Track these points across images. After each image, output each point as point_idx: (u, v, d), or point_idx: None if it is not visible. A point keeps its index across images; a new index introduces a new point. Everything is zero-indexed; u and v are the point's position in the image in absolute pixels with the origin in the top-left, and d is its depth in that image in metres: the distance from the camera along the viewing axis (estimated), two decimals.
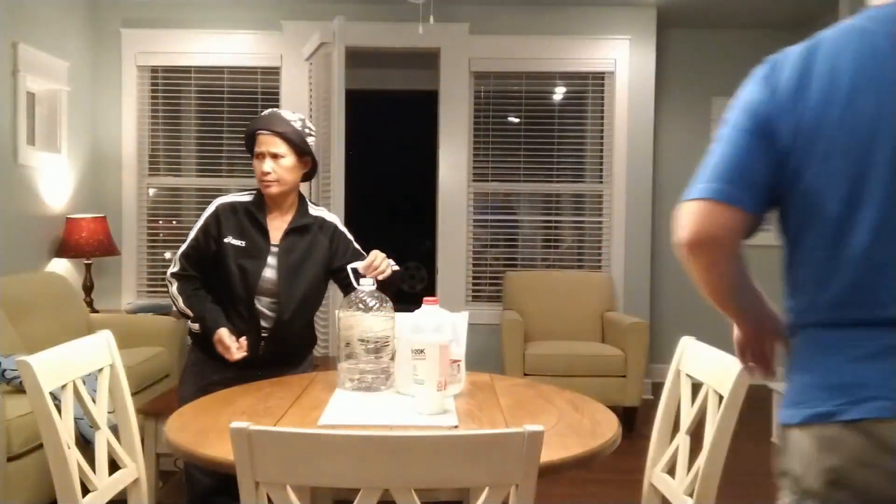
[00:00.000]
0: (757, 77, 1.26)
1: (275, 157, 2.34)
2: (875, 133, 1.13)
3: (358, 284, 2.11)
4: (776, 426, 1.60)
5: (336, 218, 2.55)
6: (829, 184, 1.16)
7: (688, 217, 1.22)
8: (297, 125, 2.38)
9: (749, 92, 1.25)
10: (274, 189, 2.36)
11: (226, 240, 2.37)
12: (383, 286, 2.20)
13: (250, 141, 2.41)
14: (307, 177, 2.51)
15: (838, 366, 1.15)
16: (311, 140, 2.42)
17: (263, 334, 2.40)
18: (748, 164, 1.21)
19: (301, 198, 2.50)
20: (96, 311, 4.81)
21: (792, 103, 1.19)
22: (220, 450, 1.51)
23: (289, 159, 2.36)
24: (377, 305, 2.07)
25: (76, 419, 2.89)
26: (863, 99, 1.14)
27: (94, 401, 1.88)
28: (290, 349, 2.49)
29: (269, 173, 2.34)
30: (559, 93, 5.60)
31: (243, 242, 2.38)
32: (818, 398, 1.16)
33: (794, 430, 1.18)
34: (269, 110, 2.44)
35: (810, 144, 1.17)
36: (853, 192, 1.14)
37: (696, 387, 1.90)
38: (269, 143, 2.34)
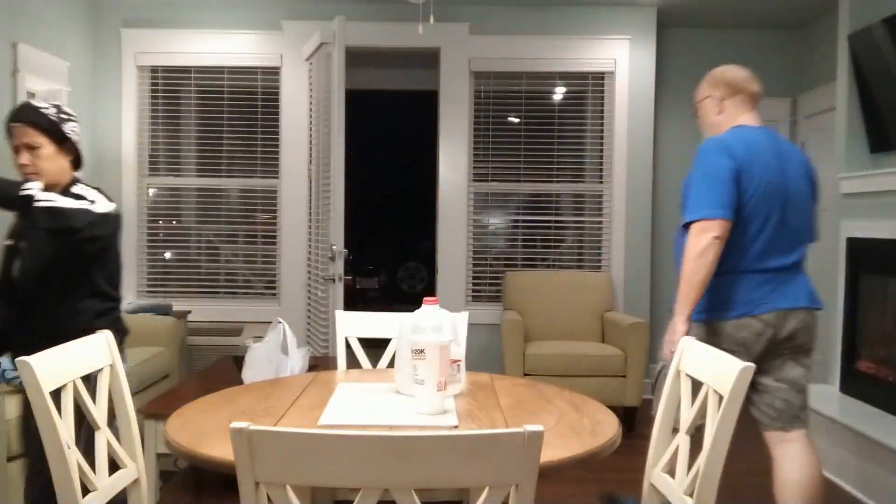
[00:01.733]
0: (719, 151, 2.44)
1: (31, 148, 2.31)
2: (773, 190, 2.45)
3: None
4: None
5: (95, 193, 2.41)
6: (758, 210, 2.43)
7: (712, 225, 2.37)
8: (51, 112, 2.34)
9: (717, 154, 2.44)
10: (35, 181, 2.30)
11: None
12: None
13: (7, 133, 2.36)
14: (76, 164, 2.44)
15: (759, 289, 2.45)
16: (71, 125, 2.37)
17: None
18: (732, 196, 2.40)
19: (71, 182, 2.41)
20: None
21: (747, 166, 2.42)
22: (220, 450, 1.51)
23: (47, 149, 2.33)
24: None
25: None
26: (765, 172, 2.44)
27: (94, 401, 1.87)
28: (28, 341, 2.22)
29: (26, 165, 2.32)
30: (559, 93, 5.60)
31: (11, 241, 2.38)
32: (753, 304, 2.43)
33: (743, 319, 2.43)
34: (23, 101, 2.38)
35: (753, 191, 2.42)
36: (767, 216, 2.44)
37: (696, 387, 1.90)
38: (24, 134, 2.31)
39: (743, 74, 2.61)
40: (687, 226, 2.42)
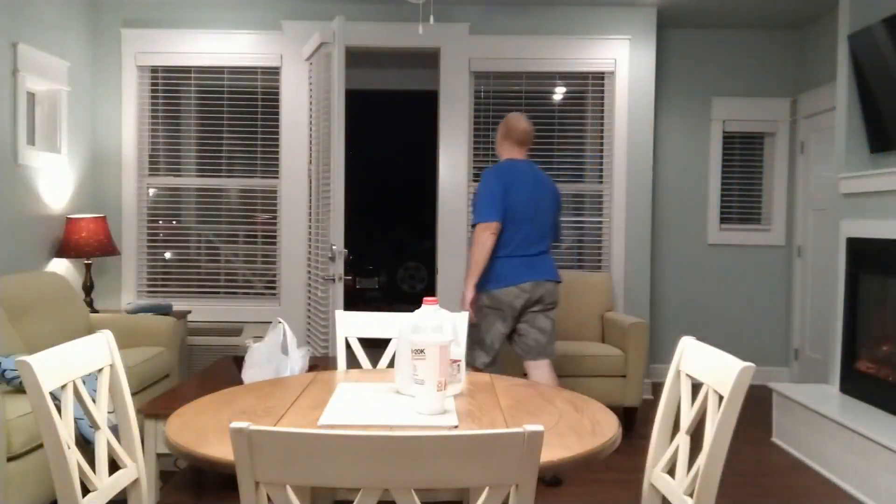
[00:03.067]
0: (494, 176, 3.58)
1: None
2: (528, 201, 3.62)
3: None
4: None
5: None
6: (519, 215, 3.59)
7: (490, 226, 3.52)
8: None
9: (493, 179, 3.57)
10: None
11: None
12: None
13: None
14: None
15: (518, 268, 3.61)
16: None
17: None
18: (503, 207, 3.55)
19: None
20: (96, 311, 4.81)
21: (511, 186, 3.57)
22: (220, 450, 1.51)
23: None
24: None
25: (76, 419, 2.90)
26: (523, 190, 3.60)
27: (94, 401, 1.87)
28: None
29: None
30: (559, 93, 5.60)
31: None
32: (514, 278, 3.58)
33: (508, 288, 3.57)
34: None
35: (516, 202, 3.58)
36: (524, 219, 3.60)
37: (696, 387, 1.90)
38: None
39: (519, 126, 3.69)
40: (475, 226, 3.57)
